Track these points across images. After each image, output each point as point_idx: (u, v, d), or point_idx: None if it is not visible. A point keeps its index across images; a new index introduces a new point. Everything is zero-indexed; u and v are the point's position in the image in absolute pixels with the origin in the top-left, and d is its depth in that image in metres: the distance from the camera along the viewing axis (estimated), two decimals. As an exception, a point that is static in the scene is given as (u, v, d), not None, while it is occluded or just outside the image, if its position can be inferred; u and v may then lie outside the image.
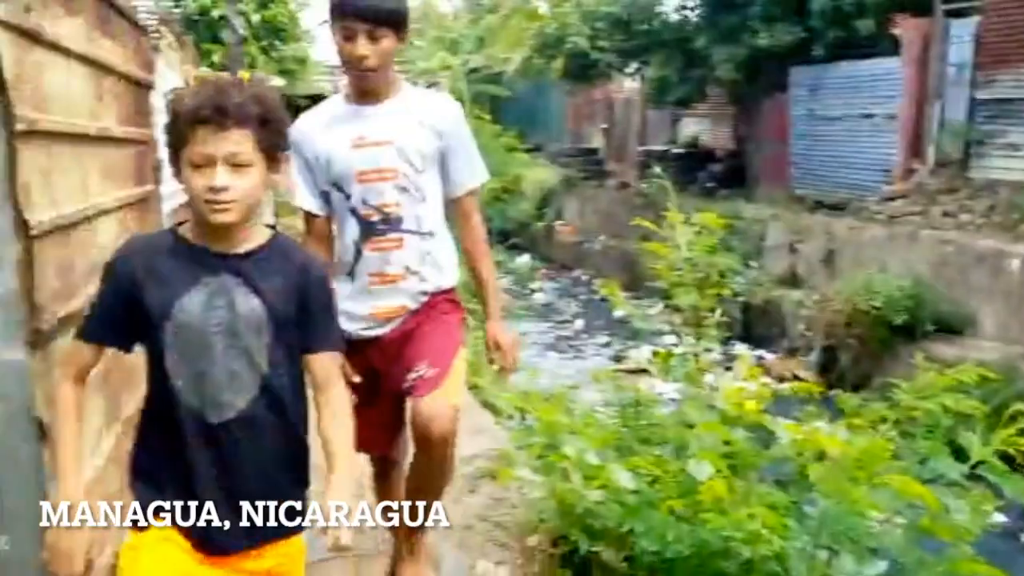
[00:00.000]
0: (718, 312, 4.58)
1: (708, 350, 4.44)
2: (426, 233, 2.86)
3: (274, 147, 2.11)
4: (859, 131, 14.45)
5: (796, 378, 10.70)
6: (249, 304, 2.09)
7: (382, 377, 2.91)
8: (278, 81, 15.54)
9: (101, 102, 3.17)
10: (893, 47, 13.68)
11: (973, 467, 3.34)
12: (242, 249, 2.13)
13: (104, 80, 3.29)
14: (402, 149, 2.79)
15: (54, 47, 2.47)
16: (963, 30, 12.95)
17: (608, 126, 24.06)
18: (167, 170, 2.23)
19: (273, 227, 2.25)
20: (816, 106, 15.35)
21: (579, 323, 15.29)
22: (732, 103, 18.16)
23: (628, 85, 22.76)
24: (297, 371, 2.20)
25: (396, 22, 2.69)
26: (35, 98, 2.34)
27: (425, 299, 2.90)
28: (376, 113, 2.81)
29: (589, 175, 22.10)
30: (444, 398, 2.72)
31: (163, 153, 2.27)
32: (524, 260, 19.96)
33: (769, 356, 12.37)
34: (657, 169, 16.50)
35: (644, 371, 8.42)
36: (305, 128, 2.85)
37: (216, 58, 14.92)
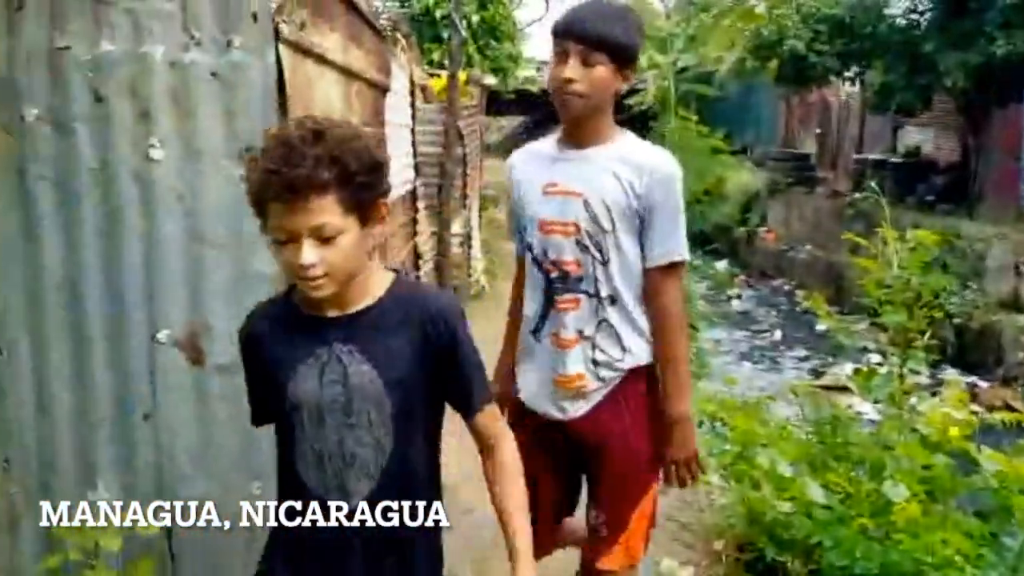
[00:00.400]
0: (927, 334, 4.48)
1: (915, 372, 4.36)
2: (605, 297, 2.55)
3: (365, 202, 1.84)
4: (1103, 147, 13.28)
5: (1009, 408, 10.04)
6: (362, 373, 1.88)
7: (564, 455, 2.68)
8: (490, 79, 16.09)
9: (350, 107, 3.54)
10: None
11: None
12: (355, 308, 1.92)
13: (352, 85, 3.67)
14: (590, 203, 2.50)
15: (321, 59, 2.81)
16: None
17: (822, 131, 23.22)
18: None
19: (396, 270, 2.03)
20: (1056, 119, 14.24)
21: (777, 334, 14.94)
22: (960, 112, 17.11)
23: (846, 90, 21.88)
24: (432, 447, 2.00)
25: (614, 47, 2.42)
26: (304, 105, 2.70)
27: (610, 384, 2.58)
28: (576, 158, 2.54)
29: (798, 181, 21.44)
30: (619, 561, 2.60)
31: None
32: (723, 265, 19.66)
33: (983, 384, 11.65)
34: (872, 182, 15.93)
35: (843, 389, 8.23)
36: (516, 162, 2.71)
37: (435, 56, 15.64)
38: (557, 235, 2.54)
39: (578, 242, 2.53)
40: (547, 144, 2.67)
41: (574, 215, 2.51)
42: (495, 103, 19.18)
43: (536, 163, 2.65)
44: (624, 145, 2.55)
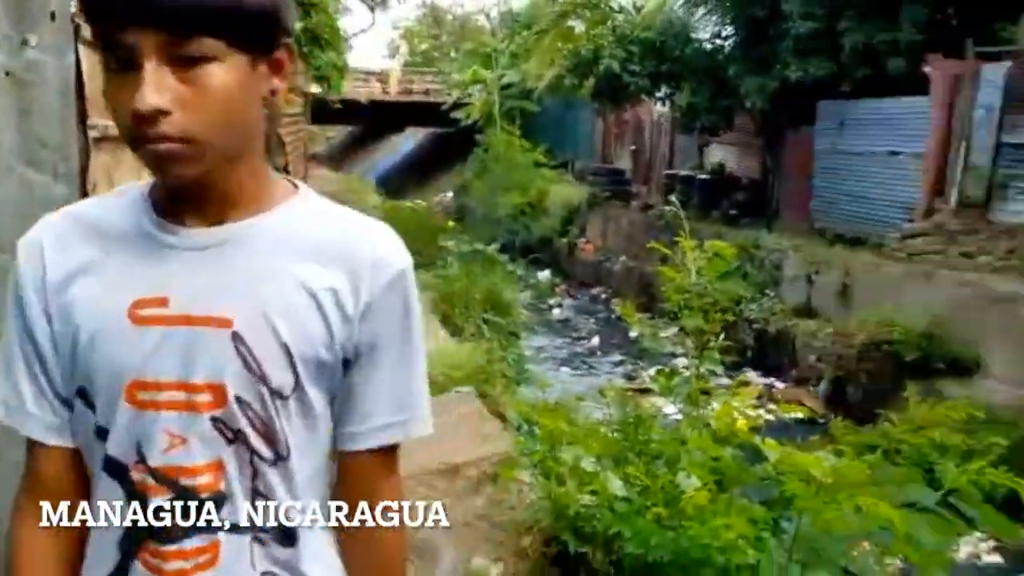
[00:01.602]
0: (721, 336, 4.83)
1: (714, 373, 4.68)
2: (280, 532, 1.33)
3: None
4: (883, 168, 14.60)
5: (803, 407, 10.87)
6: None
7: None
8: (314, 87, 15.91)
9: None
10: (922, 86, 13.86)
11: (947, 495, 3.56)
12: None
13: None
14: (246, 341, 1.26)
15: None
16: (994, 74, 13.11)
17: (636, 148, 24.30)
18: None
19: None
20: (841, 141, 15.52)
21: (595, 340, 15.50)
22: (759, 133, 18.37)
23: (658, 109, 23.02)
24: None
25: (235, 17, 1.18)
26: (104, 107, 2.64)
27: None
28: (206, 246, 1.29)
29: (614, 195, 22.36)
30: None
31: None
32: (545, 275, 20.22)
33: (780, 384, 12.55)
34: (673, 196, 16.66)
35: (651, 390, 8.68)
36: (46, 244, 1.33)
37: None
38: (170, 409, 1.27)
39: (218, 422, 1.27)
40: (123, 211, 1.34)
41: (208, 367, 1.26)
42: (322, 112, 18.99)
43: (105, 250, 1.31)
44: (308, 216, 1.34)
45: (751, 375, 12.91)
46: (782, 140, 17.40)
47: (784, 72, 15.44)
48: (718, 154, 20.86)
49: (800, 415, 11.42)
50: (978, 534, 7.50)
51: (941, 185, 13.57)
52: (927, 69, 13.72)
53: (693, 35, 18.68)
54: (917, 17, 14.15)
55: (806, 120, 16.22)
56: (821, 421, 9.00)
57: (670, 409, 7.23)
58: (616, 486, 3.41)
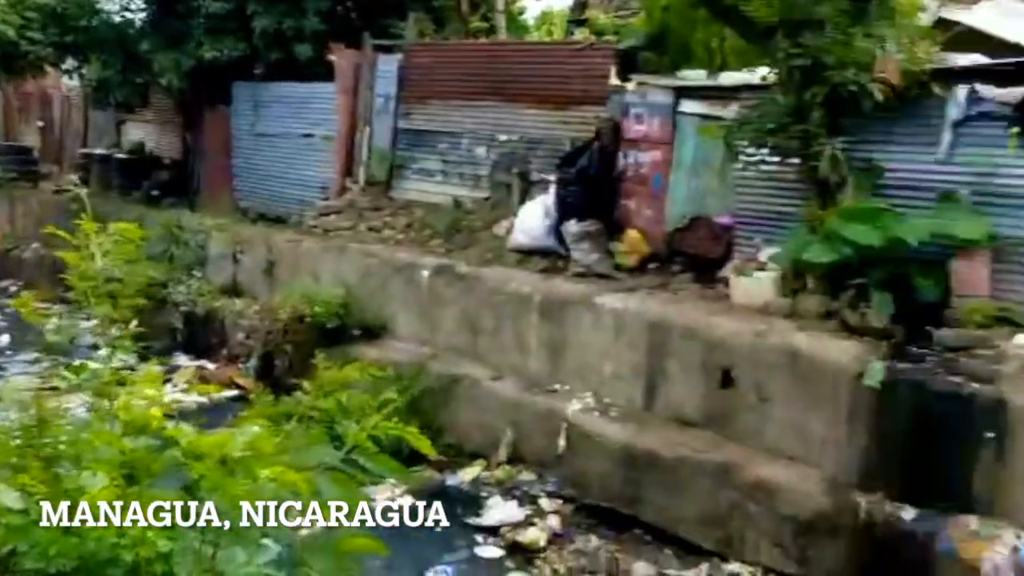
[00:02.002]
0: (135, 323, 4.56)
1: (126, 361, 4.41)
2: None
3: None
4: (299, 149, 15.20)
5: (236, 385, 10.92)
6: None
7: None
8: None
9: None
10: (330, 73, 14.64)
11: (350, 452, 3.83)
12: None
13: None
14: None
15: None
16: (389, 66, 14.38)
17: (45, 124, 21.95)
18: None
19: None
20: (258, 122, 15.78)
21: (4, 338, 13.74)
22: (178, 112, 17.82)
23: (69, 82, 21.02)
24: None
25: None
26: None
27: None
28: None
29: (21, 175, 19.98)
30: None
31: None
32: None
33: (211, 365, 12.41)
34: (90, 176, 15.58)
35: (72, 388, 7.94)
36: None
37: None
38: None
39: None
40: None
41: None
42: None
43: None
44: None
45: (182, 358, 12.58)
46: (201, 120, 17.10)
47: (199, 51, 15.14)
48: (138, 132, 19.76)
49: (233, 393, 11.47)
50: (392, 481, 8.27)
51: (351, 166, 14.57)
52: (332, 57, 14.55)
53: (100, 5, 17.35)
54: (320, 7, 14.89)
55: (224, 100, 16.14)
56: (251, 396, 9.06)
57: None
58: (9, 498, 3.02)
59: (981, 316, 7.84)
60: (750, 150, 9.49)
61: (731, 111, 10.03)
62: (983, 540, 6.66)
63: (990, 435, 6.90)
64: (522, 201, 11.99)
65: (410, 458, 5.25)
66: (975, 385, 7.10)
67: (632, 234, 11.05)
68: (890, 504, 7.22)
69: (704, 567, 7.85)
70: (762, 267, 9.35)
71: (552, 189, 11.29)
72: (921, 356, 7.71)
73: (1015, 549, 6.50)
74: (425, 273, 11.42)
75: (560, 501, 9.02)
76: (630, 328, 9.39)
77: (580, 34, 15.26)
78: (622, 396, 9.40)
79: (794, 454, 8.00)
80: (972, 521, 6.82)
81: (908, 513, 7.11)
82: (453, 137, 13.41)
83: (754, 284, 9.24)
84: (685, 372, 8.88)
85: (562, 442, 9.21)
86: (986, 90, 8.23)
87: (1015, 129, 8.02)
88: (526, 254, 11.27)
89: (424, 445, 4.49)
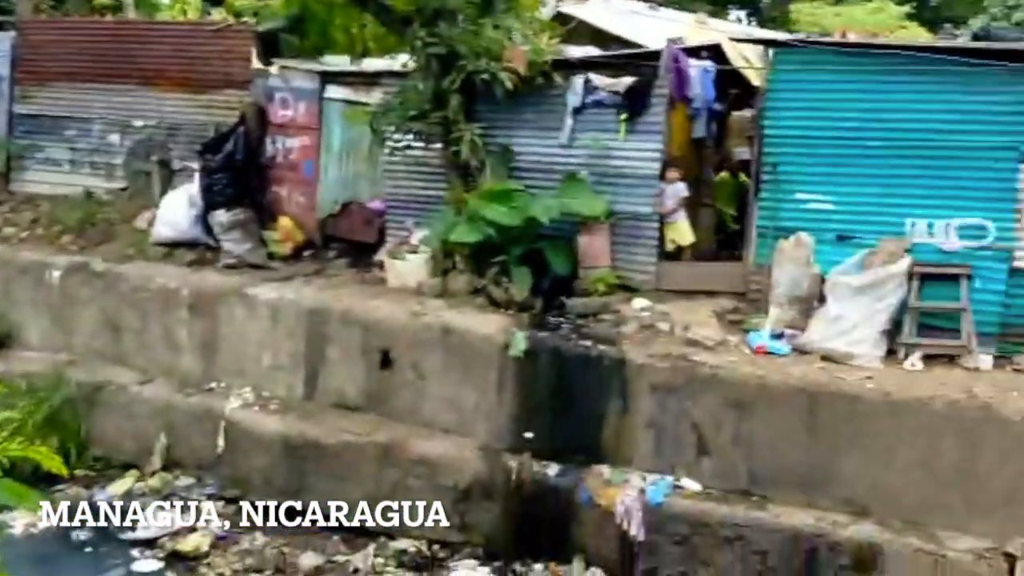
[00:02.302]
0: None
1: None
2: None
3: None
4: None
5: None
6: None
7: None
8: None
9: None
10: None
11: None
12: None
13: None
14: None
15: None
16: (1, 44, 12.69)
17: None
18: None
19: None
20: None
21: None
22: None
23: None
24: None
25: None
26: None
27: None
28: None
29: None
30: None
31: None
32: None
33: None
34: None
35: None
36: None
37: None
38: None
39: None
40: None
41: None
42: None
43: None
44: None
45: None
46: None
47: None
48: None
49: None
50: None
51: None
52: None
53: None
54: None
55: None
56: None
57: None
58: None
59: (604, 285, 8.61)
60: (396, 136, 9.61)
61: (375, 97, 10.09)
62: (615, 486, 7.37)
63: (615, 391, 7.62)
64: (164, 191, 11.20)
65: (51, 477, 4.76)
66: (601, 347, 7.79)
67: (285, 222, 10.77)
68: (537, 464, 7.75)
69: (371, 548, 7.91)
70: (414, 250, 9.54)
71: (196, 177, 10.65)
72: (557, 324, 8.32)
73: (641, 491, 7.25)
74: (56, 273, 10.31)
75: (223, 503, 8.63)
76: (287, 318, 9.17)
77: (217, 14, 14.51)
78: (282, 388, 9.17)
79: (451, 427, 8.29)
80: (605, 470, 7.51)
81: (552, 469, 7.67)
82: (82, 123, 12.17)
83: (407, 266, 9.41)
84: (345, 357, 8.85)
85: (221, 442, 8.80)
86: (598, 80, 8.99)
87: (623, 116, 8.85)
88: (172, 247, 10.56)
89: (55, 464, 4.04)
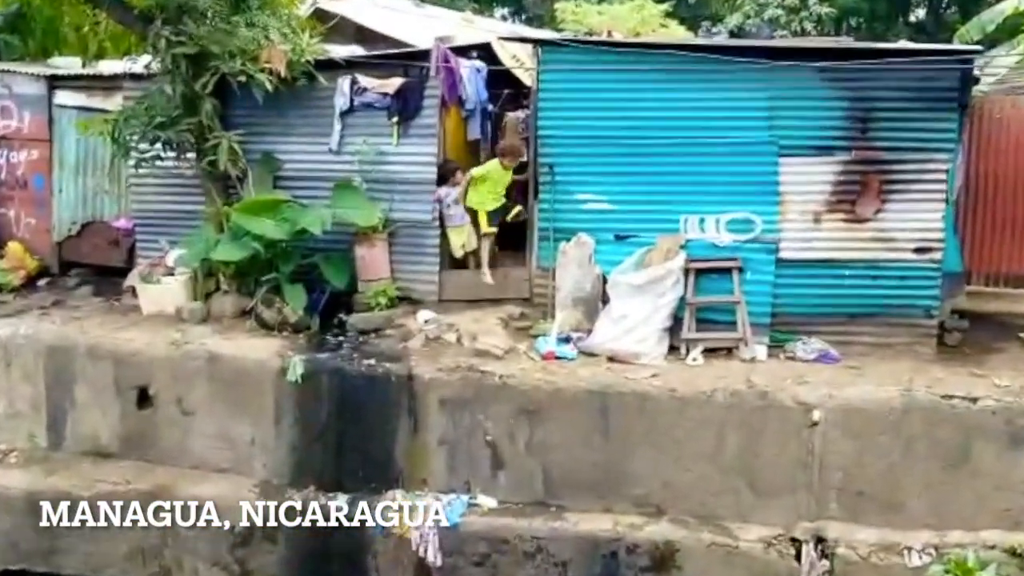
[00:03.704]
0: None
1: None
2: None
3: None
4: None
5: None
6: None
7: None
8: None
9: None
10: None
11: None
12: None
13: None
14: None
15: None
16: None
17: None
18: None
19: None
20: None
21: None
22: None
23: None
24: None
25: None
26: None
27: None
28: None
29: None
30: None
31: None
32: None
33: None
34: None
35: None
36: None
37: None
38: None
39: None
40: None
41: None
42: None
43: None
44: None
45: None
46: None
47: None
48: None
49: None
50: None
51: None
52: None
53: None
54: None
55: None
56: None
57: None
58: None
59: (386, 298, 8.45)
60: (143, 146, 8.94)
61: (115, 103, 9.37)
62: (409, 513, 7.20)
63: (404, 409, 7.48)
64: None
65: None
66: (386, 364, 7.63)
67: (14, 247, 9.80)
68: (324, 496, 7.47)
69: (141, 610, 7.31)
70: (171, 271, 8.97)
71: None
72: (338, 344, 8.09)
73: (436, 514, 7.14)
74: None
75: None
76: (23, 357, 8.34)
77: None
78: (22, 437, 8.33)
79: (226, 465, 7.85)
80: (399, 496, 7.34)
81: (340, 501, 7.41)
82: None
83: (164, 291, 8.84)
84: (96, 398, 8.16)
85: (-52, 508, 7.83)
86: (366, 81, 8.81)
87: (395, 119, 8.73)
88: None
89: None
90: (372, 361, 7.68)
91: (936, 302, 8.00)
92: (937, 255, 7.92)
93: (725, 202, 8.10)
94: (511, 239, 9.10)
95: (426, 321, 8.21)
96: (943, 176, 7.90)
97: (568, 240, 8.31)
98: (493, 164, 8.82)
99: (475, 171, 8.77)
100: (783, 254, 8.10)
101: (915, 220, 7.91)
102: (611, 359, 7.68)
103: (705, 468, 7.09)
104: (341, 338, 8.16)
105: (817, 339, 7.86)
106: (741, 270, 7.98)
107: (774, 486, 6.99)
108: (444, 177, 8.88)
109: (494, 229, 8.88)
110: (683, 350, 7.84)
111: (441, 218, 8.88)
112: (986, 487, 6.74)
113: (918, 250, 7.91)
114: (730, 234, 8.10)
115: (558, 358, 7.68)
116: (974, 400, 6.80)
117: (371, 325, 8.25)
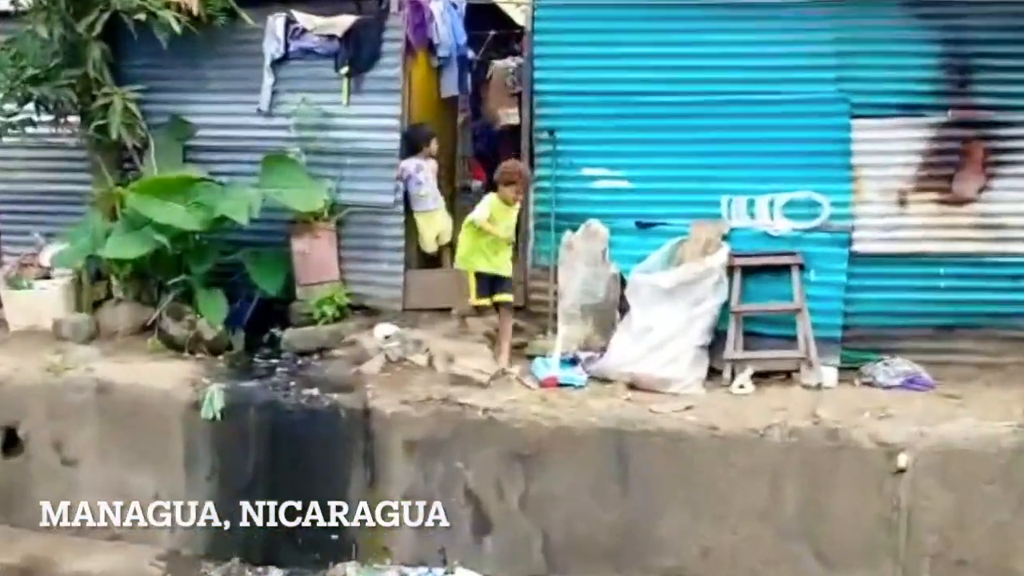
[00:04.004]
0: None
1: None
2: None
3: None
4: None
5: None
6: None
7: None
8: None
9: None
10: None
11: None
12: None
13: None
14: None
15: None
16: None
17: None
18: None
19: None
20: None
21: None
22: None
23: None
24: None
25: None
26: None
27: None
28: None
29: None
30: None
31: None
32: None
33: None
34: None
35: None
36: None
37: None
38: None
39: None
40: None
41: None
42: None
43: None
44: None
45: None
46: None
47: None
48: None
49: None
50: None
51: None
52: None
53: None
54: None
55: None
56: None
57: None
58: None
59: (333, 307, 8.46)
60: (8, 106, 8.94)
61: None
62: (365, 591, 7.18)
63: (359, 455, 7.44)
64: None
65: None
66: (334, 395, 7.61)
67: None
68: (251, 571, 7.45)
69: None
70: (46, 274, 9.02)
71: None
72: (270, 369, 8.11)
73: (400, 590, 7.12)
74: None
75: None
76: None
77: None
78: None
79: (120, 530, 7.80)
80: (351, 571, 7.31)
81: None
82: None
83: (37, 299, 8.89)
84: (-55, 443, 8.10)
85: None
86: (305, 20, 8.82)
87: (345, 70, 8.70)
88: None
89: None
90: (315, 391, 7.66)
91: (1060, 308, 8.02)
92: (1060, 246, 7.94)
93: (781, 179, 8.15)
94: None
95: (387, 337, 8.22)
96: (1065, 143, 7.92)
97: (575, 230, 8.29)
98: (491, 201, 8.09)
99: (475, 219, 8.00)
100: (858, 247, 8.13)
101: (1031, 201, 7.95)
102: (632, 386, 7.68)
103: (756, 529, 7.06)
104: (274, 361, 8.18)
105: (903, 359, 7.87)
106: (803, 268, 7.99)
107: (848, 553, 6.97)
108: (412, 147, 8.89)
109: (510, 296, 8.21)
110: (727, 374, 7.83)
111: (407, 201, 8.89)
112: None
113: (1035, 240, 7.93)
114: (788, 220, 8.12)
115: (562, 385, 7.68)
116: (1107, 437, 6.78)
117: (314, 343, 8.27)
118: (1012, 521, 6.78)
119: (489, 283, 8.04)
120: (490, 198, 8.12)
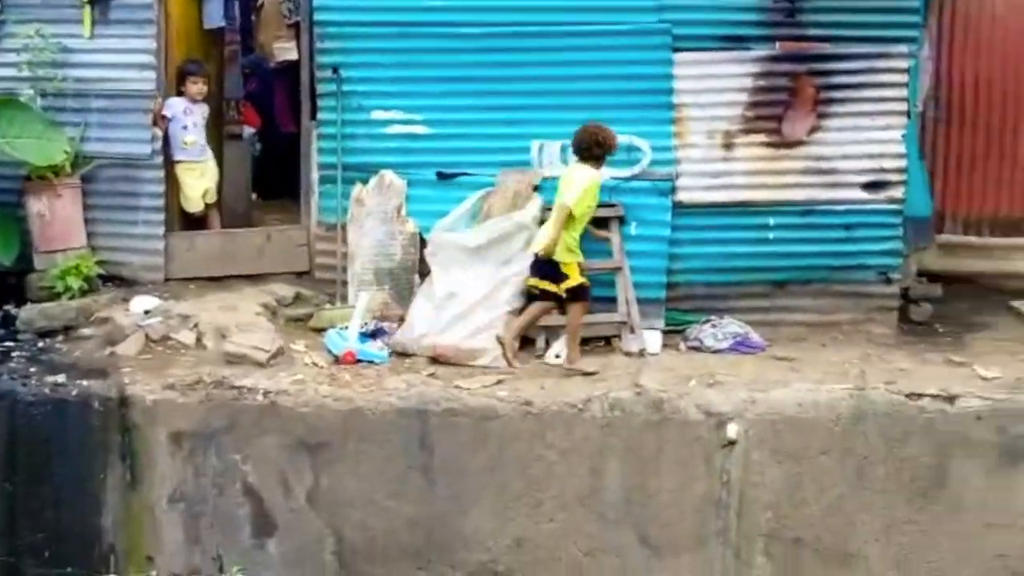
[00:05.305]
0: None
1: None
2: None
3: None
4: None
5: None
6: None
7: None
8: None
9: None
10: None
11: None
12: None
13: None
14: None
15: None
16: None
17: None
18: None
19: None
20: None
21: None
22: None
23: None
24: None
25: None
26: None
27: None
28: None
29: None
30: None
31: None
32: None
33: None
34: None
35: None
36: None
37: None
38: None
39: None
40: None
41: None
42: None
43: None
44: None
45: None
46: None
47: None
48: None
49: None
50: None
51: None
52: None
53: None
54: None
55: None
56: None
57: None
58: None
59: (79, 279, 8.16)
60: None
61: None
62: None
63: (115, 451, 7.22)
64: None
65: None
66: (84, 382, 7.33)
67: None
68: (-11, 593, 7.13)
69: None
70: None
71: None
72: (5, 352, 7.77)
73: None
74: None
75: None
76: None
77: None
78: None
79: None
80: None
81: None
82: None
83: None
84: None
85: None
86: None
87: (87, -1, 8.40)
88: None
89: None
90: (61, 378, 7.39)
91: (897, 260, 8.31)
92: (897, 192, 8.22)
93: (597, 119, 8.10)
94: (277, 178, 8.89)
95: (146, 312, 8.03)
96: (903, 78, 8.17)
97: (365, 182, 8.19)
98: (589, 178, 7.52)
99: (568, 205, 7.38)
100: (681, 196, 8.25)
101: (865, 143, 8.21)
102: (435, 360, 7.65)
103: (576, 516, 7.13)
104: (9, 344, 7.88)
105: (732, 319, 8.03)
106: (622, 221, 8.03)
107: (676, 537, 7.10)
108: (176, 86, 8.73)
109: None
110: (541, 342, 7.83)
111: (167, 151, 8.68)
112: (972, 524, 7.03)
113: (870, 186, 8.19)
114: (606, 168, 8.12)
115: (360, 361, 7.57)
116: (952, 399, 7.06)
117: (57, 321, 7.99)
118: (850, 494, 7.01)
119: (542, 267, 7.52)
120: (582, 172, 7.54)
